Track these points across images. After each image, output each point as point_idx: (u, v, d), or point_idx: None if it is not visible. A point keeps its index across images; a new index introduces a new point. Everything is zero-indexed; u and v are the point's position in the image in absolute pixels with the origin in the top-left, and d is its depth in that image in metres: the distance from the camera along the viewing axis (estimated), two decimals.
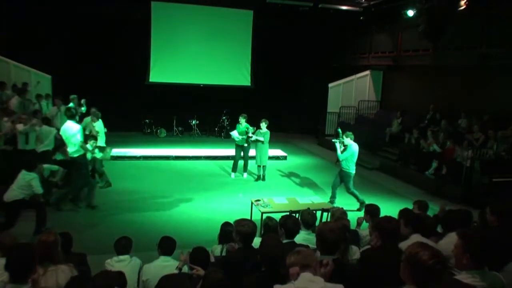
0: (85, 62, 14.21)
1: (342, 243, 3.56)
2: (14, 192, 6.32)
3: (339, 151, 8.41)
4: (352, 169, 8.34)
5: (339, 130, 8.82)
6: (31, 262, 3.06)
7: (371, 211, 4.83)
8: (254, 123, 10.50)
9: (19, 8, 13.47)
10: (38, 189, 6.46)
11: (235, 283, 2.94)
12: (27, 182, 6.33)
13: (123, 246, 4.21)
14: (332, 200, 8.39)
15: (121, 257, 4.14)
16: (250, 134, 10.12)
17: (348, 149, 8.26)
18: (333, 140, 8.69)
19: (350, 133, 8.41)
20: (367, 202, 7.02)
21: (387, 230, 3.36)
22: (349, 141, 8.30)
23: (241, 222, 3.70)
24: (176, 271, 3.64)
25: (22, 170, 6.42)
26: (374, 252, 3.45)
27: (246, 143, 10.34)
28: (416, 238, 3.56)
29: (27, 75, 13.11)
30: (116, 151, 11.08)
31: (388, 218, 3.50)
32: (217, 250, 4.37)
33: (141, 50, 15.37)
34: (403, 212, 4.09)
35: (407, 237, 3.72)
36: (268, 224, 4.45)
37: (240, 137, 10.27)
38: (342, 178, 8.44)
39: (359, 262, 3.51)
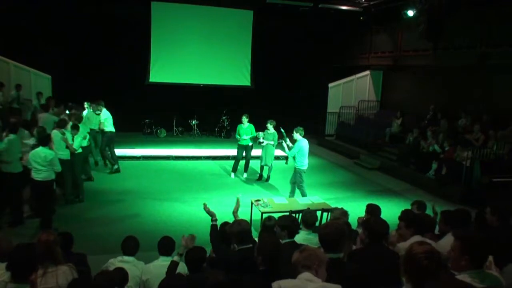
0: (85, 62, 14.21)
1: (345, 242, 3.57)
2: (46, 173, 6.48)
3: (287, 150, 8.35)
4: (301, 165, 8.21)
5: (282, 130, 8.64)
6: (32, 262, 3.07)
7: (372, 211, 4.83)
8: (254, 123, 10.50)
9: (19, 8, 13.47)
10: (58, 167, 6.64)
11: (235, 283, 2.94)
12: (44, 159, 6.41)
13: (129, 247, 4.17)
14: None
15: (126, 257, 4.11)
16: (261, 140, 9.98)
17: (295, 146, 8.13)
18: (278, 141, 8.61)
19: (301, 128, 8.20)
20: (367, 202, 6.99)
21: (376, 232, 3.41)
22: (298, 136, 8.15)
23: (232, 224, 3.79)
24: (176, 258, 3.67)
25: (39, 147, 6.54)
26: (360, 251, 3.53)
27: (251, 143, 10.33)
28: (416, 239, 3.57)
29: (27, 75, 13.13)
30: (117, 152, 11.08)
31: (381, 221, 3.54)
32: None
33: (141, 50, 15.36)
34: (405, 214, 4.11)
35: (407, 239, 3.73)
36: (266, 224, 4.48)
37: (247, 137, 10.25)
38: (294, 173, 8.37)
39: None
